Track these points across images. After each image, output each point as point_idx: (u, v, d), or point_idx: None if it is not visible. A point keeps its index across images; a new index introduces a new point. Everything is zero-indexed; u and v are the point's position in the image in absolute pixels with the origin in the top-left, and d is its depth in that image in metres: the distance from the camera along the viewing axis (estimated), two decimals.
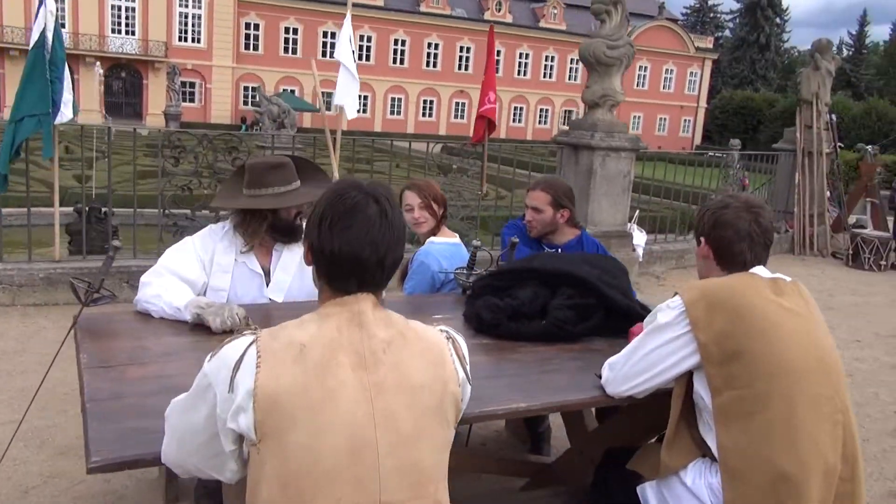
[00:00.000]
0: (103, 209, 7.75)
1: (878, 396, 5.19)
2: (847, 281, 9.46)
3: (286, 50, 50.02)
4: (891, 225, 11.15)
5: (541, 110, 59.09)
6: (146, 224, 7.54)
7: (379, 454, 1.50)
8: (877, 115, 48.78)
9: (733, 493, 2.03)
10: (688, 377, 2.17)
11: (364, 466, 1.49)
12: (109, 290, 2.69)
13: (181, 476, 1.86)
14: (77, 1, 42.93)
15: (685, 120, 64.06)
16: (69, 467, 3.41)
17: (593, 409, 3.06)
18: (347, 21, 7.20)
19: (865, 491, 2.15)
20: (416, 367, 1.58)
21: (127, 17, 44.97)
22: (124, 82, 46.19)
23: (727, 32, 77.10)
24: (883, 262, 10.27)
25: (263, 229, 2.90)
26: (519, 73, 57.39)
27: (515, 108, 57.55)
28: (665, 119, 62.99)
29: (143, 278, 2.76)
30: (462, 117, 55.37)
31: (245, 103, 47.44)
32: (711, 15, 77.74)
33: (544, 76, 58.74)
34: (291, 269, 2.98)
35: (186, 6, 46.39)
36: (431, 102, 55.30)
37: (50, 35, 5.70)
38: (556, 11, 57.98)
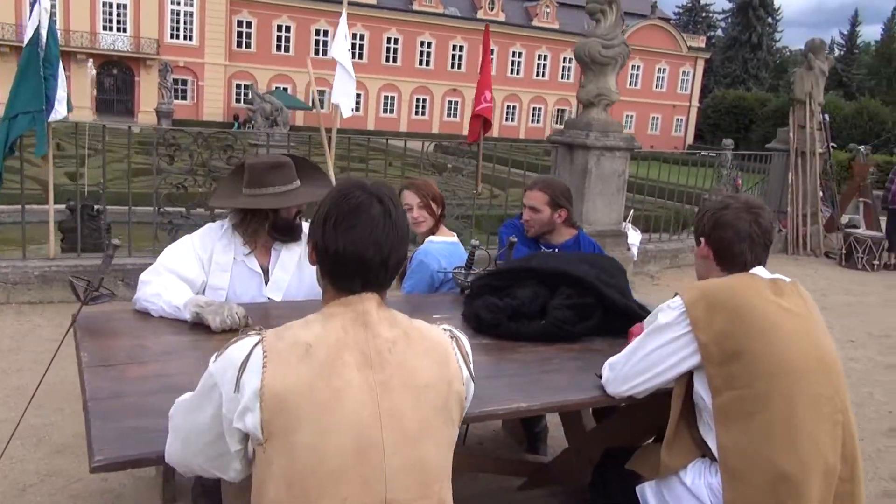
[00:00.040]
0: (95, 206, 7.72)
1: (872, 396, 5.22)
2: (840, 281, 9.51)
3: (279, 48, 49.89)
4: (883, 225, 11.20)
5: (533, 109, 59.12)
6: (139, 221, 7.52)
7: (385, 454, 1.50)
8: (868, 115, 48.96)
9: (733, 493, 2.04)
10: (688, 377, 2.18)
11: (370, 466, 1.49)
12: (109, 288, 2.68)
13: (185, 475, 1.85)
14: None
15: (677, 119, 64.21)
16: (66, 465, 3.40)
17: (590, 409, 3.07)
18: (343, 19, 7.19)
19: (865, 491, 2.16)
20: (421, 367, 1.59)
21: (118, 14, 44.75)
22: (116, 79, 45.97)
23: (719, 32, 77.28)
24: (876, 262, 10.32)
25: (265, 229, 2.89)
26: (512, 72, 57.38)
27: (508, 107, 57.55)
28: (657, 118, 63.11)
29: (142, 277, 2.75)
30: (455, 116, 55.37)
31: (237, 101, 47.29)
32: (703, 14, 77.91)
33: (537, 75, 58.75)
34: (290, 268, 2.98)
35: (178, 3, 46.20)
36: (424, 101, 55.26)
37: (44, 32, 5.67)
38: (548, 10, 58.02)
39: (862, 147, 12.86)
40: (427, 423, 1.57)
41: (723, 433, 2.07)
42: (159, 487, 3.07)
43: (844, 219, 11.87)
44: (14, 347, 4.91)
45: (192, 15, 46.54)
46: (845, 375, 2.21)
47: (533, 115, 59.19)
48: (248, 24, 48.92)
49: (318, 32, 49.88)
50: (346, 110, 7.25)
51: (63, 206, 7.59)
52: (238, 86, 48.35)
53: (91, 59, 38.64)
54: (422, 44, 54.25)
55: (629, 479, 2.33)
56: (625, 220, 8.06)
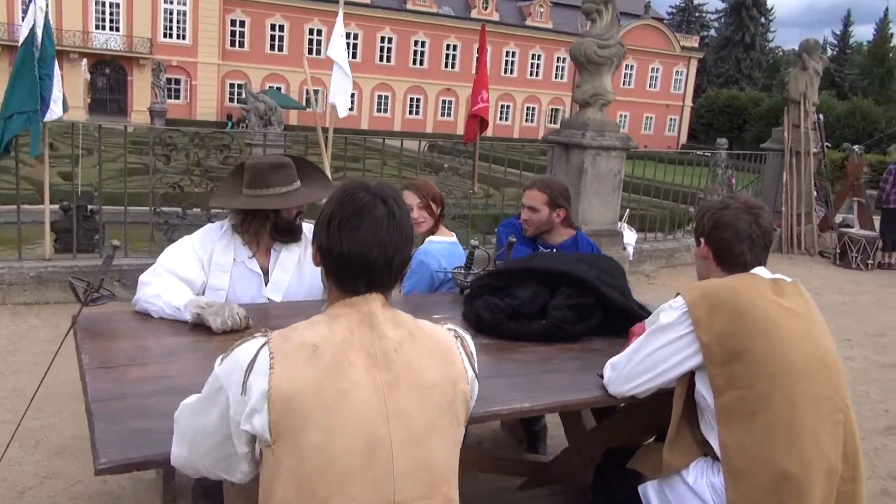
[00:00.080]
0: (89, 207, 7.70)
1: (868, 395, 5.23)
2: (835, 280, 9.54)
3: (272, 47, 49.76)
4: (877, 224, 11.24)
5: (527, 108, 59.15)
6: (133, 222, 7.50)
7: (392, 454, 1.50)
8: (861, 115, 49.09)
9: (736, 493, 2.04)
10: (689, 377, 2.19)
11: (378, 466, 1.49)
12: (108, 289, 2.67)
13: (192, 476, 1.85)
14: None
15: (671, 119, 64.33)
16: (65, 468, 3.39)
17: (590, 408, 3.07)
18: (340, 19, 7.18)
19: (866, 490, 2.17)
20: (426, 367, 1.59)
21: (111, 13, 44.56)
22: (109, 79, 45.80)
23: (712, 32, 77.42)
24: (870, 262, 10.34)
25: (267, 230, 2.89)
26: (506, 72, 57.37)
27: (502, 107, 57.52)
28: (651, 118, 63.21)
29: (141, 278, 2.74)
30: (449, 115, 55.38)
31: (231, 100, 47.15)
32: (697, 14, 78.05)
33: (531, 74, 58.78)
34: (290, 269, 2.98)
35: (171, 2, 46.04)
36: (418, 100, 55.23)
37: (39, 32, 5.65)
38: (542, 10, 58.05)
39: (856, 146, 12.90)
40: (433, 422, 1.57)
41: (725, 433, 2.07)
42: (159, 489, 3.06)
43: (838, 218, 11.90)
44: (10, 349, 4.89)
45: (185, 14, 46.38)
46: None
47: (527, 114, 59.20)
48: (242, 24, 48.78)
49: (311, 31, 49.82)
50: (343, 110, 7.23)
51: (56, 207, 7.57)
52: (231, 85, 48.23)
53: (85, 60, 38.46)
54: (416, 43, 54.22)
55: (630, 479, 2.33)
56: (620, 220, 8.07)
